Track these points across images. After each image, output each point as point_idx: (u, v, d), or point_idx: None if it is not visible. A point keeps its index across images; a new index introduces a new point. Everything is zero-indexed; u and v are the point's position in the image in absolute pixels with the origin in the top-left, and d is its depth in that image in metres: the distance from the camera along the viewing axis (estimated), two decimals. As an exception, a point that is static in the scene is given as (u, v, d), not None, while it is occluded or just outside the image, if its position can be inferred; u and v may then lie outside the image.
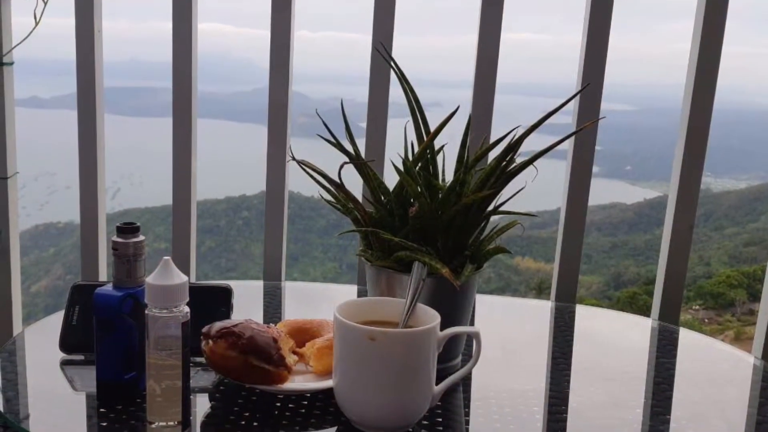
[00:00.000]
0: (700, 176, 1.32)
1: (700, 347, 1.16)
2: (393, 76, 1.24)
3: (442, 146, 0.98)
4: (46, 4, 1.35)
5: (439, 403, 0.86)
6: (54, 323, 1.00)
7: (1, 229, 1.43)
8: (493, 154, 0.93)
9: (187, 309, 0.76)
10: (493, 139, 0.95)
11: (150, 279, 0.75)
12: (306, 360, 0.91)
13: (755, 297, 10.45)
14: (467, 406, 0.89)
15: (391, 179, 0.96)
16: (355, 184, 0.97)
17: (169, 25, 1.36)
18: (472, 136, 0.99)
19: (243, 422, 0.81)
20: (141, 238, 0.84)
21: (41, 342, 1.03)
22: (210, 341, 0.84)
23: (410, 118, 0.98)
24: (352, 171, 0.95)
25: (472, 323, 1.08)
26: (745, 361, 1.07)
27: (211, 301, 0.98)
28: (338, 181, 0.92)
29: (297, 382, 0.87)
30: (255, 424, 0.81)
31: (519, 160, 0.92)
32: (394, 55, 1.26)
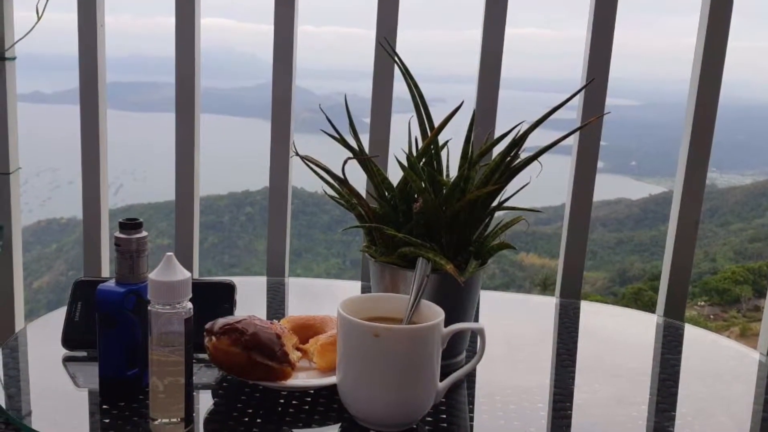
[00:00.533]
0: (705, 172, 1.32)
1: (705, 343, 1.15)
2: (397, 71, 1.23)
3: (447, 142, 0.98)
4: (48, -1, 1.34)
5: (444, 400, 0.85)
6: (56, 319, 1.00)
7: (3, 225, 1.43)
8: (497, 150, 0.93)
9: (190, 305, 0.76)
10: (497, 134, 0.94)
11: (153, 275, 0.75)
12: (309, 356, 0.90)
13: (761, 293, 10.43)
14: (471, 402, 0.88)
15: (395, 175, 0.96)
16: (358, 179, 0.97)
17: (172, 20, 1.36)
18: (476, 131, 0.99)
19: (246, 419, 0.81)
20: (144, 234, 0.83)
21: (43, 338, 1.03)
22: (213, 337, 0.84)
23: (414, 114, 0.98)
24: (356, 166, 0.94)
25: (476, 319, 1.07)
26: (751, 357, 1.07)
27: (214, 298, 0.98)
28: (342, 176, 0.92)
29: (300, 379, 0.87)
30: (258, 420, 0.81)
31: (523, 155, 0.92)
32: (398, 49, 1.26)
